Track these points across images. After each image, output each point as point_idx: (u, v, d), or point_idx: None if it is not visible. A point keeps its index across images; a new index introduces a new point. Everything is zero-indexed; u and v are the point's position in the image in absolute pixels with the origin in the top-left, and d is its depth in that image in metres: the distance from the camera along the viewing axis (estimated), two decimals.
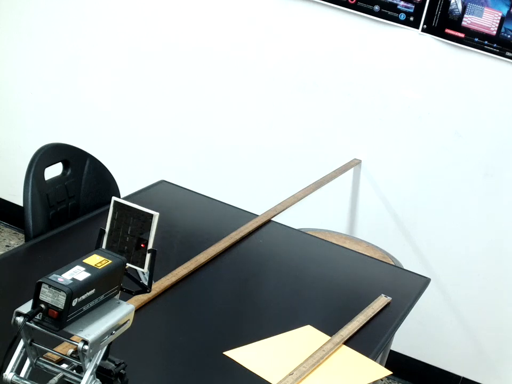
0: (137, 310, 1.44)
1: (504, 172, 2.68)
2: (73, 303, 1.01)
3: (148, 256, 1.13)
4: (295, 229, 2.20)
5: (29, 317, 1.01)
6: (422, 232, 2.83)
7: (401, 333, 1.98)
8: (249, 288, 1.84)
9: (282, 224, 2.18)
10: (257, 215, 2.17)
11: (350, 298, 1.87)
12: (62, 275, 1.03)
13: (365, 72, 2.75)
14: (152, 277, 1.15)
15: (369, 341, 1.65)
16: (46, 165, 1.97)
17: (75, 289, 1.01)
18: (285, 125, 2.90)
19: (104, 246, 1.14)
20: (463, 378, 2.95)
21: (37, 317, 1.01)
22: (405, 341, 2.87)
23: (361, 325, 1.68)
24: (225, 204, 2.23)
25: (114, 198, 1.14)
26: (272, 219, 2.19)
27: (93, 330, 1.04)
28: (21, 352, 1.06)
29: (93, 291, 1.04)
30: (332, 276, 1.97)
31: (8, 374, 1.05)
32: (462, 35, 2.58)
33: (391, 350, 2.47)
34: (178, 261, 1.80)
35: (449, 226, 2.79)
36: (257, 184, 2.99)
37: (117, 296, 1.12)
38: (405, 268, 2.28)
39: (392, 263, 2.37)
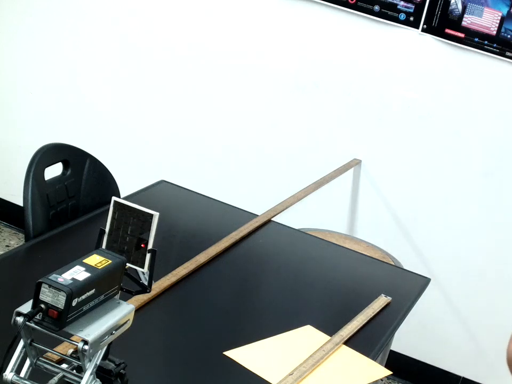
0: (137, 310, 1.44)
1: (504, 171, 2.68)
2: (73, 303, 1.01)
3: (148, 256, 1.13)
4: (295, 229, 2.20)
5: (29, 317, 1.01)
6: (422, 232, 2.83)
7: (401, 333, 1.98)
8: (249, 288, 1.84)
9: (282, 224, 2.18)
10: (257, 215, 2.17)
11: (350, 298, 1.87)
12: (62, 275, 1.02)
13: (365, 72, 2.75)
14: (152, 277, 1.15)
15: (369, 341, 1.65)
16: (46, 165, 1.97)
17: (75, 289, 1.01)
18: (285, 125, 2.90)
19: (104, 246, 1.14)
20: (463, 378, 2.95)
21: (37, 317, 1.01)
22: (405, 341, 2.87)
23: (361, 325, 1.68)
24: (225, 203, 2.23)
25: (114, 198, 1.14)
26: (272, 219, 2.19)
27: (93, 330, 1.03)
28: (21, 352, 1.06)
29: (93, 291, 1.04)
30: (331, 276, 1.97)
31: (8, 374, 1.05)
32: (462, 35, 2.58)
33: (391, 350, 2.47)
34: (178, 261, 1.80)
35: (449, 226, 2.79)
36: (257, 184, 2.99)
37: (117, 296, 1.12)
38: (405, 268, 2.28)
39: (392, 263, 2.37)
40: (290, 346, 1.57)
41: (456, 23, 2.57)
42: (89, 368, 1.05)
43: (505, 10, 2.50)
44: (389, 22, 2.66)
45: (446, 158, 2.73)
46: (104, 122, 3.17)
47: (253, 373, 1.46)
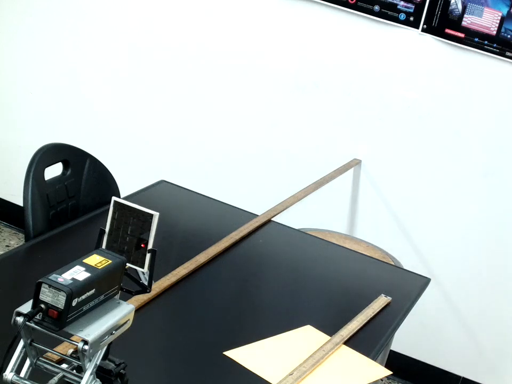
0: (137, 310, 1.44)
1: (504, 171, 2.68)
2: (73, 303, 1.01)
3: (148, 256, 1.13)
4: (295, 229, 2.20)
5: (29, 317, 1.01)
6: (422, 232, 2.83)
7: (401, 333, 1.98)
8: (249, 288, 1.84)
9: (282, 224, 2.18)
10: (257, 215, 2.17)
11: (350, 298, 1.87)
12: (62, 275, 1.02)
13: (365, 72, 2.75)
14: (152, 277, 1.15)
15: (369, 341, 1.65)
16: (46, 165, 1.97)
17: (75, 289, 1.01)
18: (285, 125, 2.90)
19: (104, 246, 1.14)
20: (463, 378, 2.95)
21: (37, 317, 1.01)
22: (405, 341, 2.87)
23: (361, 325, 1.68)
24: (225, 204, 2.23)
25: (114, 198, 1.14)
26: (272, 219, 2.19)
27: (93, 330, 1.03)
28: (21, 352, 1.06)
29: (93, 291, 1.04)
30: (331, 276, 1.97)
31: (8, 374, 1.05)
32: (462, 35, 2.58)
33: (391, 350, 2.47)
34: (178, 261, 1.80)
35: (449, 226, 2.79)
36: (257, 184, 2.99)
37: (117, 296, 1.12)
38: (405, 268, 2.28)
39: (392, 263, 2.37)
40: (290, 346, 1.57)
41: (456, 23, 2.57)
42: (89, 368, 1.05)
43: (505, 10, 2.50)
44: (389, 22, 2.66)
45: (446, 158, 2.73)
46: (104, 122, 3.17)
47: (253, 373, 1.46)
